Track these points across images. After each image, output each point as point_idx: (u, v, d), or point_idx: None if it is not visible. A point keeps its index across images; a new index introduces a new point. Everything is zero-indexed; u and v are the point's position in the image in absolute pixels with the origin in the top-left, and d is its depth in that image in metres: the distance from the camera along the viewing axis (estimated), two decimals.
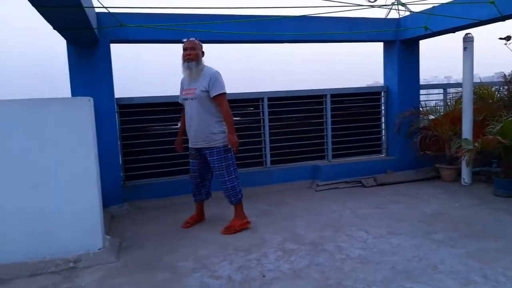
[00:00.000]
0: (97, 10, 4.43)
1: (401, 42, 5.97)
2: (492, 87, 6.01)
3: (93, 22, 4.11)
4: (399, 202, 4.81)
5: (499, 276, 2.81)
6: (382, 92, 6.36)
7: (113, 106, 4.89)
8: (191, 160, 4.14)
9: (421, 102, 6.27)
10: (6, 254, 3.19)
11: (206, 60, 3.98)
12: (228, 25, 4.96)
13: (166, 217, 4.58)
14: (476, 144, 4.99)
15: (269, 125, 5.78)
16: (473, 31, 5.31)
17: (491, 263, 3.01)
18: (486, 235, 3.60)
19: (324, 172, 5.78)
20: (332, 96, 6.07)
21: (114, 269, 3.22)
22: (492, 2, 4.34)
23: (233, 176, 4.02)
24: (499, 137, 4.77)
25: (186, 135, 4.30)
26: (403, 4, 5.71)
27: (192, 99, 3.89)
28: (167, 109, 5.21)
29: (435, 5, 5.18)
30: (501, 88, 6.00)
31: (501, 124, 4.88)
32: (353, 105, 6.35)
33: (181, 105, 4.14)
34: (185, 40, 3.91)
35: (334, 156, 6.17)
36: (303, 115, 6.00)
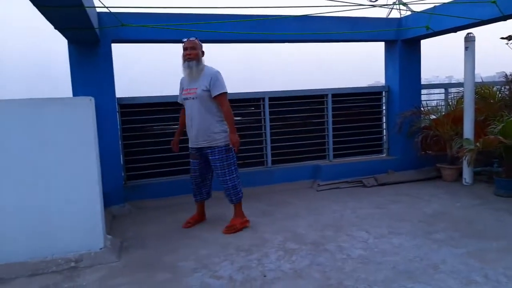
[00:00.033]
0: (98, 9, 4.43)
1: (402, 41, 5.96)
2: (493, 87, 6.00)
3: (94, 21, 4.12)
4: (400, 202, 4.81)
5: (500, 276, 2.81)
6: (383, 92, 6.35)
7: (114, 106, 4.89)
8: (191, 160, 4.14)
9: (422, 102, 6.26)
10: (7, 254, 3.20)
11: (206, 60, 4.00)
12: (229, 25, 4.96)
13: (167, 217, 4.58)
14: (478, 144, 4.99)
15: (270, 125, 5.78)
16: (474, 30, 5.30)
17: (492, 263, 3.01)
18: (487, 235, 3.59)
19: (325, 172, 5.78)
20: (333, 96, 6.07)
21: (115, 269, 3.23)
22: (494, 2, 4.33)
23: (234, 175, 4.03)
24: (500, 137, 4.76)
25: (183, 135, 4.32)
26: (405, 4, 5.70)
27: (193, 98, 3.89)
28: (168, 109, 5.21)
29: (437, 4, 5.17)
30: (502, 88, 5.99)
31: (502, 124, 4.87)
32: (354, 105, 6.34)
33: (182, 105, 4.15)
34: (185, 40, 3.92)
35: (335, 156, 6.17)
36: (304, 115, 5.99)
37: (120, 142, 5.04)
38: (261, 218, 4.38)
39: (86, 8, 3.38)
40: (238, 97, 5.52)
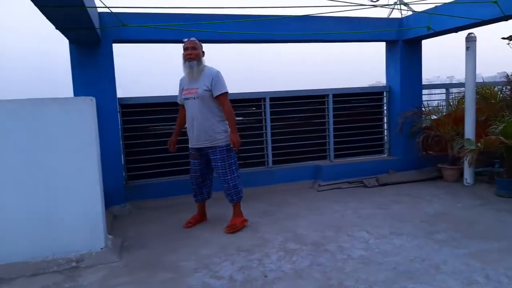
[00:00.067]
0: (99, 10, 4.43)
1: (403, 42, 5.95)
2: (494, 87, 6.00)
3: (96, 22, 4.12)
4: (401, 202, 4.80)
5: (502, 276, 2.80)
6: (385, 92, 6.35)
7: (115, 106, 4.89)
8: (191, 161, 4.14)
9: (423, 102, 6.26)
10: (9, 254, 3.20)
11: (207, 60, 4.01)
12: (230, 25, 4.96)
13: (168, 217, 4.58)
14: (479, 144, 4.98)
15: (271, 125, 5.78)
16: (475, 30, 5.30)
17: (493, 264, 3.00)
18: (488, 236, 3.59)
19: (326, 172, 5.77)
20: (334, 96, 6.06)
21: (116, 269, 3.23)
22: (495, 2, 4.32)
23: (235, 175, 4.04)
24: (501, 137, 4.75)
25: (180, 136, 4.32)
26: (406, 4, 5.70)
27: (194, 98, 3.90)
28: (169, 109, 5.21)
29: (438, 4, 5.17)
30: (503, 88, 5.98)
31: (503, 124, 4.87)
32: (355, 105, 6.34)
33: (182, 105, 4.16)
34: (186, 39, 3.92)
35: (336, 156, 6.16)
36: (305, 115, 5.99)
37: (121, 142, 5.05)
38: (262, 218, 4.38)
39: (87, 8, 3.39)
40: (239, 97, 5.52)
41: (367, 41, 5.97)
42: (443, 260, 3.12)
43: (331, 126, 6.07)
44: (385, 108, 6.38)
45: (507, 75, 5.90)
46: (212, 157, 3.99)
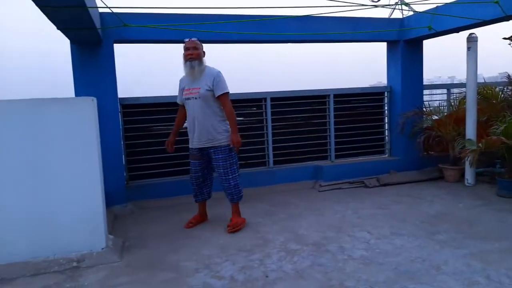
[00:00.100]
0: (100, 10, 4.44)
1: (404, 42, 5.95)
2: (496, 87, 5.98)
3: (97, 22, 4.12)
4: (402, 203, 4.80)
5: (503, 277, 2.80)
6: (386, 92, 6.34)
7: (116, 106, 4.90)
8: (192, 161, 4.14)
9: (424, 102, 6.25)
10: (9, 254, 3.20)
11: (207, 60, 4.02)
12: (231, 25, 4.96)
13: (169, 217, 4.59)
14: (480, 144, 4.98)
15: (272, 125, 5.78)
16: (477, 31, 5.30)
17: (494, 264, 3.00)
18: (489, 236, 3.58)
19: (327, 172, 5.77)
20: (335, 96, 6.07)
21: (117, 269, 3.23)
22: (496, 2, 4.32)
23: (236, 174, 4.06)
24: (503, 138, 4.75)
25: (178, 136, 4.33)
26: (407, 4, 5.70)
27: (195, 98, 3.90)
28: (170, 109, 5.21)
29: (439, 5, 5.16)
30: (505, 88, 5.97)
31: (505, 125, 4.87)
32: (356, 105, 6.33)
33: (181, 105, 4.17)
34: (187, 39, 3.93)
35: (337, 157, 6.16)
36: (306, 115, 5.99)
37: (122, 142, 5.06)
38: (263, 219, 4.38)
39: (89, 9, 3.39)
40: (240, 98, 5.53)
41: (368, 41, 5.97)
42: (444, 260, 3.12)
43: (332, 126, 6.07)
44: (386, 108, 6.38)
45: (509, 75, 5.90)
46: (213, 157, 3.99)
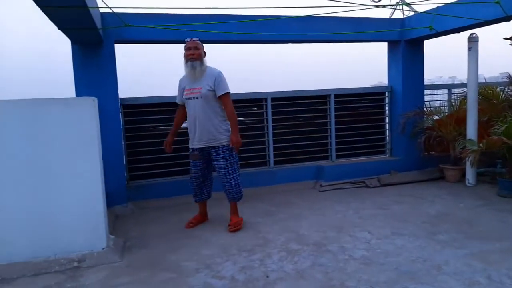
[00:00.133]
0: (101, 10, 4.44)
1: (405, 42, 5.95)
2: (497, 88, 5.98)
3: (98, 22, 4.13)
4: (403, 203, 4.80)
5: (504, 277, 2.80)
6: (386, 92, 6.34)
7: (117, 106, 4.90)
8: (192, 161, 4.13)
9: (425, 102, 6.25)
10: (10, 254, 3.20)
11: (208, 60, 4.03)
12: (232, 25, 4.96)
13: (170, 217, 4.59)
14: (481, 144, 4.97)
15: (273, 125, 5.78)
16: (478, 31, 5.29)
17: (495, 264, 2.99)
18: (490, 236, 3.58)
19: (327, 172, 5.77)
20: (336, 96, 6.07)
21: (118, 269, 3.23)
22: (497, 2, 4.32)
23: (237, 173, 4.08)
24: (504, 138, 4.75)
25: (177, 136, 4.33)
26: (408, 4, 5.69)
27: (197, 98, 3.90)
28: (171, 109, 5.20)
29: (440, 5, 5.16)
30: (506, 88, 5.97)
31: (506, 125, 4.86)
32: (357, 105, 6.33)
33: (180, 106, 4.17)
34: (188, 39, 3.93)
35: (338, 157, 6.16)
36: (307, 115, 5.99)
37: (123, 142, 5.06)
38: (264, 219, 4.38)
39: (90, 9, 3.40)
40: (241, 98, 5.53)
41: (369, 41, 5.97)
42: (445, 260, 3.11)
43: (333, 127, 6.07)
44: (387, 108, 6.38)
45: (509, 75, 5.89)
46: (214, 157, 4.00)
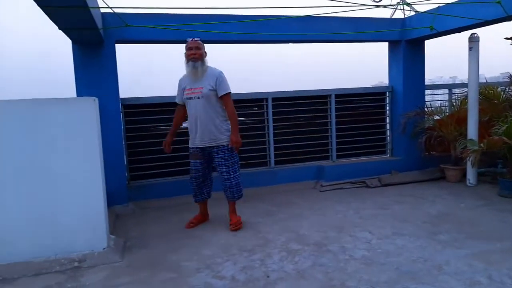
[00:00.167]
0: (102, 10, 4.44)
1: (406, 42, 5.94)
2: (497, 88, 5.97)
3: (98, 22, 4.13)
4: (403, 203, 4.79)
5: (504, 277, 2.79)
6: (387, 92, 6.34)
7: (118, 106, 4.90)
8: (193, 161, 4.13)
9: (426, 102, 6.25)
10: (11, 254, 3.21)
11: (209, 60, 4.03)
12: (233, 25, 4.96)
13: (170, 217, 4.59)
14: (482, 144, 4.97)
15: (274, 125, 5.78)
16: (478, 31, 5.29)
17: (496, 264, 2.99)
18: (491, 236, 3.58)
19: (328, 172, 5.77)
20: (337, 96, 6.06)
21: (119, 269, 3.24)
22: (498, 2, 4.31)
23: (238, 173, 4.09)
24: (504, 138, 4.74)
25: (176, 136, 4.33)
26: (408, 4, 5.68)
27: (198, 98, 3.90)
28: (172, 109, 5.20)
29: (441, 5, 5.16)
30: (507, 88, 5.96)
31: (506, 125, 4.86)
32: (358, 105, 6.33)
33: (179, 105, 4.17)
34: (189, 39, 3.94)
35: (338, 157, 6.16)
36: (308, 115, 5.99)
37: (123, 142, 5.06)
38: (264, 219, 4.37)
39: (90, 9, 3.40)
40: (241, 98, 5.52)
41: (369, 41, 5.97)
42: (445, 260, 3.11)
43: (334, 127, 6.07)
44: (387, 108, 6.38)
45: (510, 75, 5.88)
46: (216, 156, 4.00)
